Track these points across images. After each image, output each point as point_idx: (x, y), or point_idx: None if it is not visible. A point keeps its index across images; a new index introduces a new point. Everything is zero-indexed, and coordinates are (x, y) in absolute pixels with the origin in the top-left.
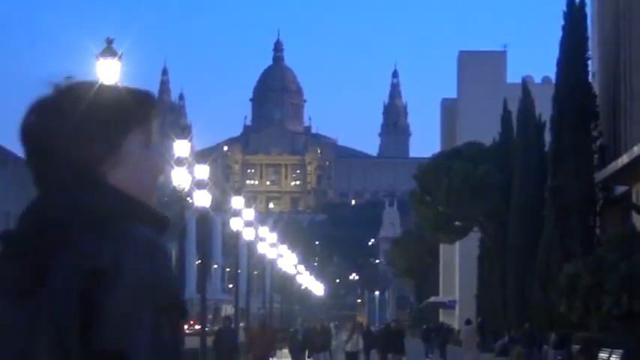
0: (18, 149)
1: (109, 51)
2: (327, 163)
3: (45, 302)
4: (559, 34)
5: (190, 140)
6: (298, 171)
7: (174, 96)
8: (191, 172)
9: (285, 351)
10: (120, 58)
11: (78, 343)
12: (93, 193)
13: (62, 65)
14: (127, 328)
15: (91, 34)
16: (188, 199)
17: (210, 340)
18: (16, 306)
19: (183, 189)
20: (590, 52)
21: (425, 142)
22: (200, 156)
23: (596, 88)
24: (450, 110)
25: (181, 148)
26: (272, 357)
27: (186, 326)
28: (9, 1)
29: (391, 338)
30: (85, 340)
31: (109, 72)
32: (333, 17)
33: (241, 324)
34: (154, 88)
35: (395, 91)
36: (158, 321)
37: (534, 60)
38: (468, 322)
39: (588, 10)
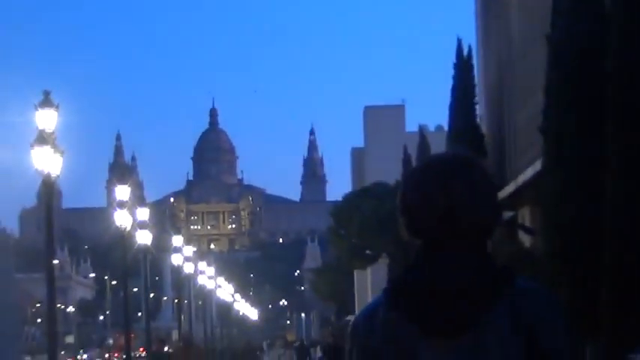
0: None
1: (46, 102)
2: (258, 208)
3: (486, 344)
4: (449, 84)
5: (141, 191)
6: (234, 216)
7: (127, 157)
8: (133, 215)
9: None
10: (57, 108)
11: None
12: (489, 254)
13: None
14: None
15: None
16: (134, 238)
17: None
18: (449, 346)
19: (125, 229)
20: (477, 98)
21: (338, 186)
22: (150, 207)
23: (484, 129)
24: (358, 158)
25: (122, 192)
26: None
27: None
28: None
29: (302, 351)
30: None
31: (47, 123)
32: (261, 85)
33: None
34: (109, 151)
35: (312, 146)
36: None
37: (429, 110)
38: None
39: (475, 60)
